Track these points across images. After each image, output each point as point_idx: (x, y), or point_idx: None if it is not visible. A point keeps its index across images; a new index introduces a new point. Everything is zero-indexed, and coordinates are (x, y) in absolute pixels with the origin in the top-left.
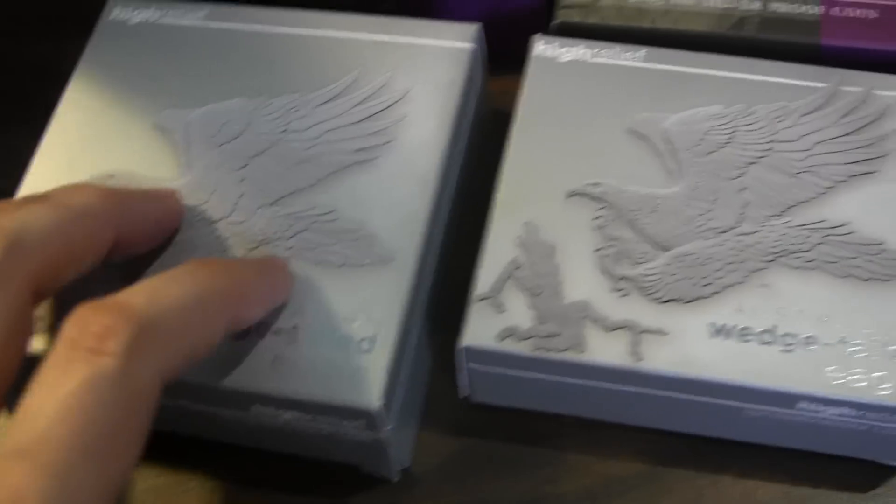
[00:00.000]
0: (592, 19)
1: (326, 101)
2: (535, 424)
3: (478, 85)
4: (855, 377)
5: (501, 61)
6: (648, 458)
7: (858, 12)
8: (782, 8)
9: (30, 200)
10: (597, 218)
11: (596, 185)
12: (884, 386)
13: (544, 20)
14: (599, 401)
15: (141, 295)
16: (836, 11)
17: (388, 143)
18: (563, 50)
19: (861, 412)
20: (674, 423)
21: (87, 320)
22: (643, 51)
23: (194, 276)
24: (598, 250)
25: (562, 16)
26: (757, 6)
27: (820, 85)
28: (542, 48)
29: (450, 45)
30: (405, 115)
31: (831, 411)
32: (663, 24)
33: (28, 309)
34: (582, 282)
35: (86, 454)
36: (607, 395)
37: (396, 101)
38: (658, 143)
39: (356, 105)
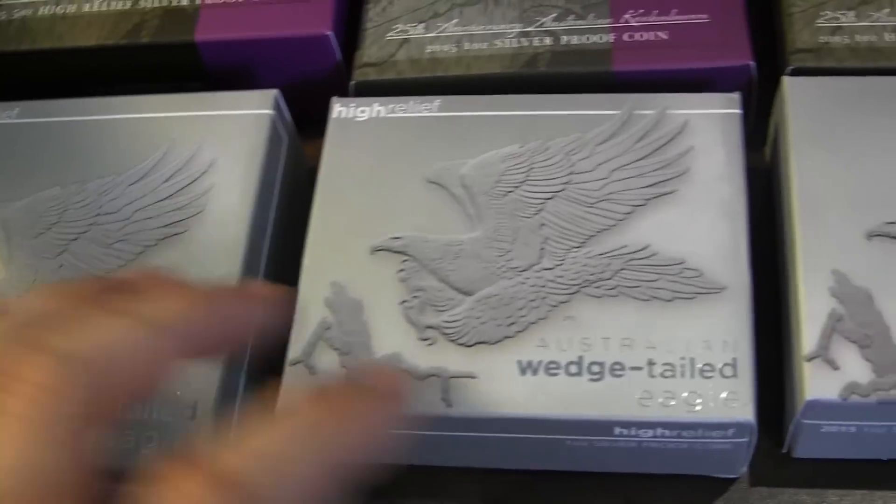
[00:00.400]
0: (389, 75)
1: (137, 181)
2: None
3: (284, 150)
4: (664, 399)
5: (316, 125)
6: (486, 499)
7: (649, 36)
8: (573, 40)
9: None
10: (401, 271)
11: (397, 238)
12: (694, 403)
13: (345, 83)
14: (430, 447)
15: None
16: (626, 38)
17: (197, 214)
18: (360, 110)
19: (676, 431)
20: (502, 462)
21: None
22: (437, 101)
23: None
24: (402, 302)
25: (358, 76)
26: (548, 41)
27: (614, 112)
28: (340, 110)
29: (250, 113)
30: (212, 186)
31: (648, 434)
32: (457, 71)
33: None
34: (390, 335)
35: None
36: (432, 442)
37: (203, 173)
38: (456, 190)
39: (165, 181)
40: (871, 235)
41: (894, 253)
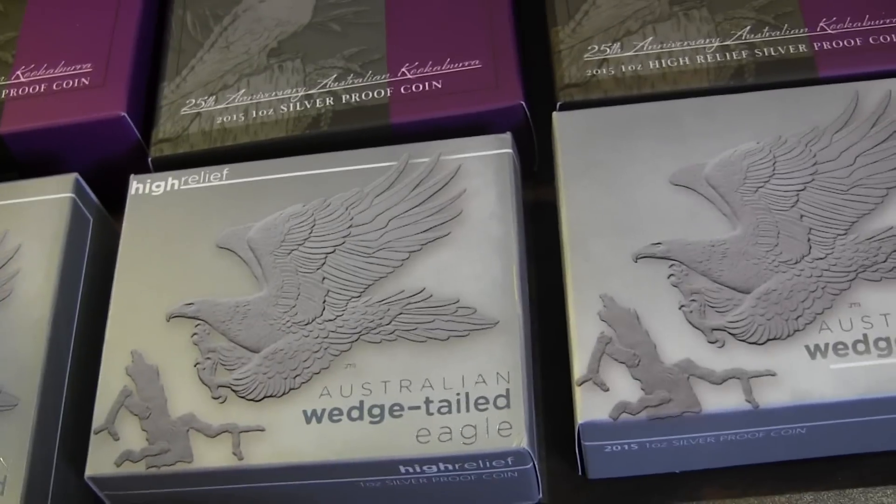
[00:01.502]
0: (183, 149)
1: None
2: None
3: (90, 230)
4: (441, 434)
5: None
6: None
7: (424, 86)
8: (353, 98)
9: None
10: (194, 335)
11: (189, 304)
12: (470, 436)
13: (146, 159)
14: (229, 501)
15: None
16: (403, 90)
17: (4, 299)
18: (156, 185)
19: (458, 464)
20: None
21: None
22: (226, 169)
23: None
24: (196, 364)
25: (154, 152)
26: (330, 102)
27: (392, 164)
28: (137, 186)
29: (51, 198)
30: (18, 271)
31: (433, 469)
32: (245, 139)
33: None
34: (185, 396)
35: None
36: (230, 496)
37: (9, 259)
38: (243, 253)
39: None
40: (638, 257)
41: (660, 272)
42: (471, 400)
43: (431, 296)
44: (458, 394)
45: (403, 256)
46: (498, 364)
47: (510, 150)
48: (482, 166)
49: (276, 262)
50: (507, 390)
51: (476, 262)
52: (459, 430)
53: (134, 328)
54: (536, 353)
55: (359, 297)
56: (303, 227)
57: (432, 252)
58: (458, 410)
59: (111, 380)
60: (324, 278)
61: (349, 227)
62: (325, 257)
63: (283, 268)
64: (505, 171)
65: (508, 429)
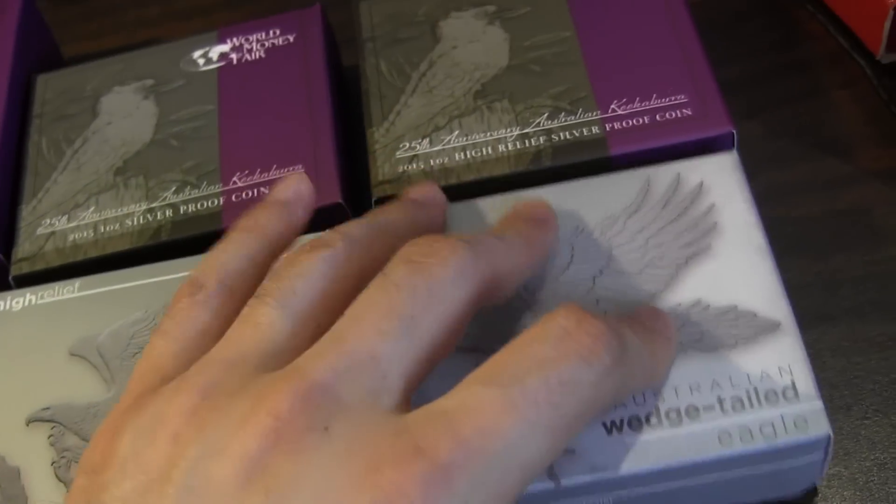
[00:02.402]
0: (40, 266)
1: None
2: None
3: None
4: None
5: None
6: None
7: (253, 192)
8: (190, 209)
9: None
10: (50, 436)
11: (46, 409)
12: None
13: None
14: None
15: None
16: (234, 198)
17: None
18: (15, 301)
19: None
20: None
21: (582, 323)
22: (77, 282)
23: None
24: (53, 463)
25: (14, 270)
26: (170, 213)
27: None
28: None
29: None
30: None
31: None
32: (94, 253)
33: (473, 311)
34: (46, 493)
35: (547, 422)
36: None
37: None
38: (93, 359)
39: None
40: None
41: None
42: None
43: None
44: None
45: None
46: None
47: None
48: None
49: (123, 365)
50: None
51: None
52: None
53: None
54: None
55: None
56: (145, 332)
57: None
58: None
59: None
60: None
61: None
62: None
63: (129, 370)
64: None
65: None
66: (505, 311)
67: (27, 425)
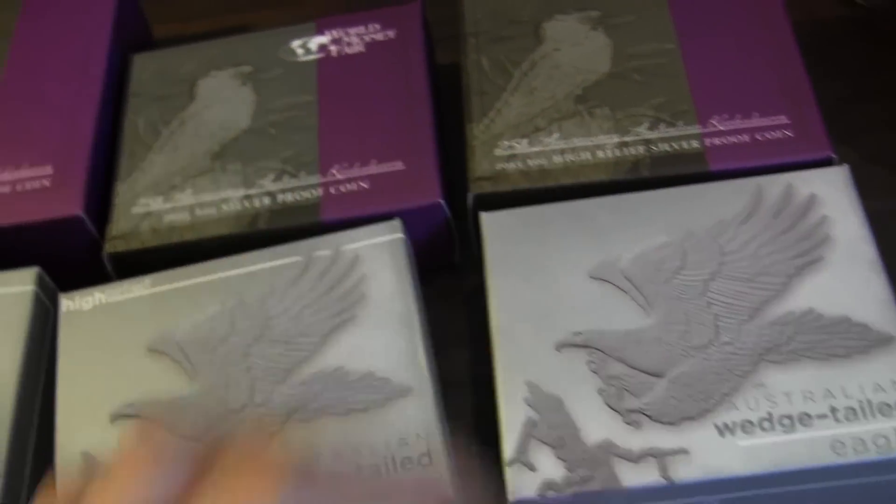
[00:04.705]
0: (135, 245)
1: None
2: None
3: (52, 321)
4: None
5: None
6: None
7: (352, 186)
8: (289, 198)
9: None
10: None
11: (130, 405)
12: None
13: (100, 255)
14: None
15: None
16: (333, 190)
17: None
18: (84, 300)
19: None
20: None
21: None
22: (147, 279)
23: None
24: None
25: (109, 247)
26: (267, 201)
27: (298, 258)
28: (68, 304)
29: (13, 290)
30: None
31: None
32: (189, 236)
33: None
34: None
35: None
36: None
37: None
38: (175, 354)
39: None
40: (560, 346)
41: (580, 360)
42: (397, 461)
43: (348, 372)
44: (384, 457)
45: (317, 340)
46: (417, 426)
47: (401, 235)
48: (377, 252)
49: (210, 360)
50: (427, 448)
51: (383, 338)
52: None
53: (81, 432)
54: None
55: (282, 381)
56: (224, 325)
57: (343, 334)
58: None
59: (66, 482)
60: (251, 368)
61: (267, 319)
62: (248, 349)
63: (215, 363)
64: (399, 254)
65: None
66: (619, 309)
67: (112, 422)
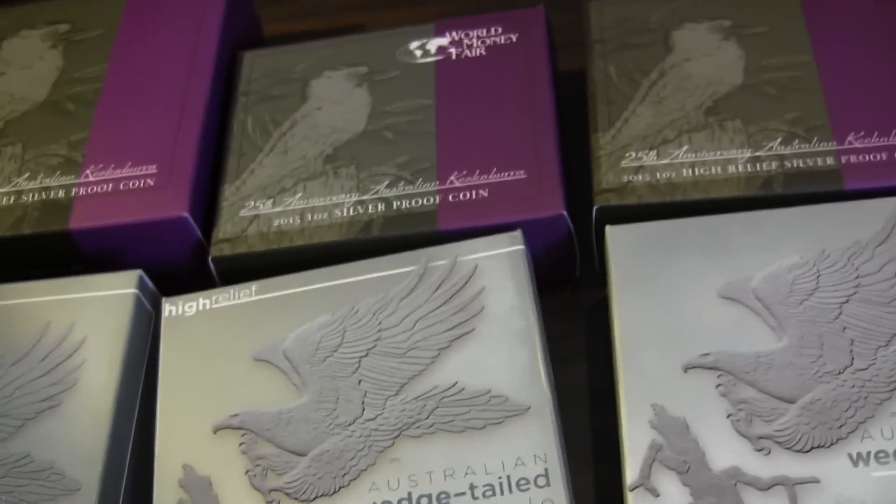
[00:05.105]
0: (241, 249)
1: (17, 361)
2: None
3: (153, 323)
4: None
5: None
6: None
7: (470, 194)
8: (403, 205)
9: None
10: (241, 444)
11: (234, 416)
12: None
13: (207, 258)
14: None
15: None
16: (451, 198)
17: (70, 388)
18: (188, 305)
19: None
20: None
21: None
22: (254, 286)
23: None
24: (247, 472)
25: (214, 251)
26: (381, 207)
27: (412, 268)
28: (170, 308)
29: (116, 293)
30: (84, 362)
31: None
32: (300, 242)
33: None
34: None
35: None
36: None
37: (76, 351)
38: (282, 364)
39: (41, 360)
40: (687, 368)
41: (708, 383)
42: (513, 482)
43: (464, 388)
44: (499, 477)
45: (434, 354)
46: (534, 447)
47: (522, 246)
48: (497, 264)
49: (314, 370)
50: (546, 470)
51: (502, 353)
52: None
53: (181, 442)
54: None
55: (396, 395)
56: (334, 335)
57: (460, 348)
58: (504, 492)
59: (165, 495)
60: (360, 381)
61: (379, 330)
62: (360, 361)
63: (321, 374)
64: (520, 267)
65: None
66: (750, 331)
67: (215, 433)
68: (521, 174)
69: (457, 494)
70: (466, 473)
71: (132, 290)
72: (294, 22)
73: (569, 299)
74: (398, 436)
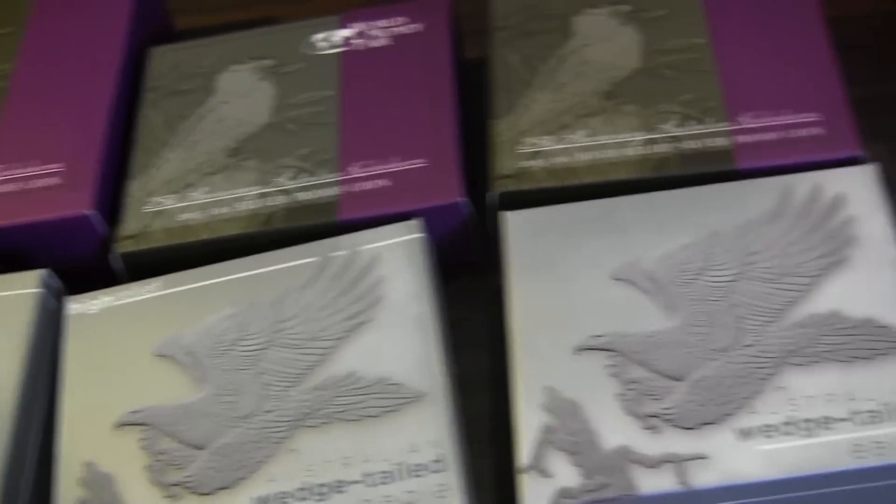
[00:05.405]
0: (146, 245)
1: None
2: None
3: (59, 323)
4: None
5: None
6: None
7: (372, 185)
8: (306, 197)
9: None
10: (142, 439)
11: (136, 412)
12: (409, 502)
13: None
14: None
15: None
16: (353, 189)
17: None
18: (92, 303)
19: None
20: None
21: None
22: (158, 282)
23: None
24: (146, 467)
25: (120, 247)
26: (283, 200)
27: (313, 259)
28: (75, 306)
29: (17, 293)
30: None
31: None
32: (204, 235)
33: None
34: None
35: None
36: None
37: None
38: (181, 358)
39: None
40: (580, 350)
41: (600, 364)
42: (409, 468)
43: (360, 377)
44: (396, 464)
45: (332, 344)
46: (430, 432)
47: (420, 234)
48: (395, 254)
49: (214, 363)
50: (442, 455)
51: (399, 341)
52: (402, 498)
53: (84, 440)
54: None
55: (295, 386)
56: (235, 328)
57: (358, 337)
58: (399, 479)
59: (67, 493)
60: (261, 373)
61: (279, 323)
62: (260, 352)
63: (221, 367)
64: (417, 254)
65: (446, 489)
66: (642, 311)
67: (116, 429)
68: (421, 162)
69: (352, 482)
70: (363, 461)
71: (35, 290)
72: (207, 15)
73: (471, 285)
74: (296, 427)
